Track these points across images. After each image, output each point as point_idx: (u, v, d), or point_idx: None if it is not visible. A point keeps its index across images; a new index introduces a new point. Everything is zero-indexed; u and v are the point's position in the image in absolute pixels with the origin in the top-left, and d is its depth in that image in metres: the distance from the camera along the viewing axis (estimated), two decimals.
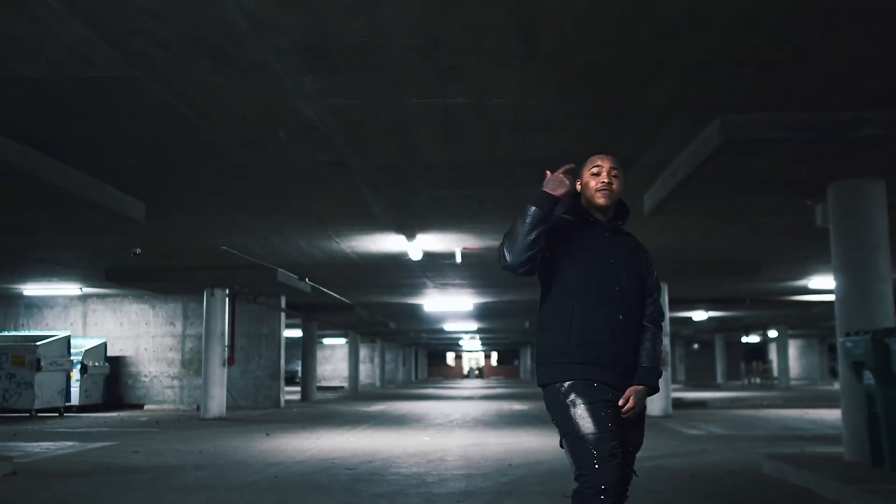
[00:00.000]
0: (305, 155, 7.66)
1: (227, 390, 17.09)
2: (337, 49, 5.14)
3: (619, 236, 3.25)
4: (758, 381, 39.34)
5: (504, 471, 7.89)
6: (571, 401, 2.99)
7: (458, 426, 13.70)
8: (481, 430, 12.90)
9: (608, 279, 3.11)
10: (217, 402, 16.16)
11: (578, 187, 3.25)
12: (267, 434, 12.21)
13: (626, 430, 3.06)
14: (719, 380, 40.24)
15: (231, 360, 17.24)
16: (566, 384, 3.02)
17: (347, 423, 14.68)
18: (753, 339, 44.05)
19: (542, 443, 10.47)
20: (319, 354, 42.03)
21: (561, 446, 3.06)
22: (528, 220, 3.01)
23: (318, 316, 24.32)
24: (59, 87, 5.82)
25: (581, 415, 2.96)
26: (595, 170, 3.21)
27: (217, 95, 6.01)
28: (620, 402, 3.03)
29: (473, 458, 9.00)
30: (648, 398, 3.17)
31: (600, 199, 3.18)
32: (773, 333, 38.29)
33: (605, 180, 3.18)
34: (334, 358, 47.99)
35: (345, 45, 5.07)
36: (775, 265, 15.47)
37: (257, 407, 19.60)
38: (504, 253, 3.04)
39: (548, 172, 3.15)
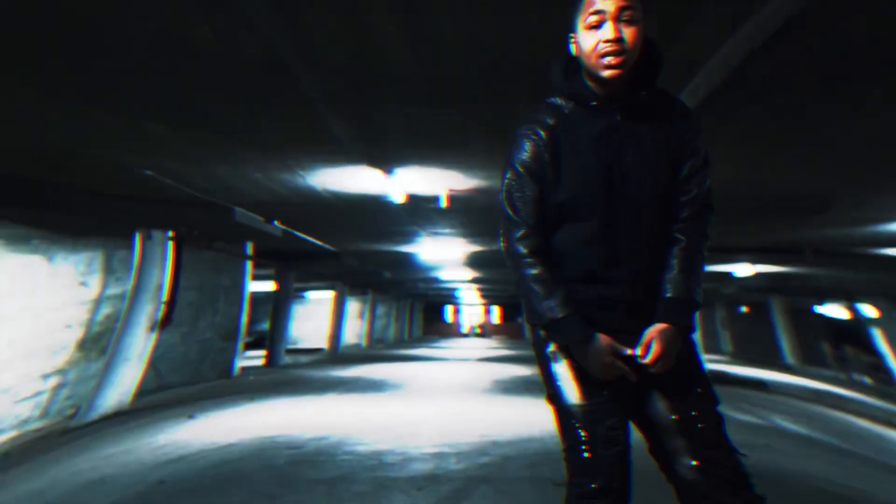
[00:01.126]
0: (226, 46, 5.77)
1: (153, 364, 12.72)
2: None
3: (637, 116, 2.32)
4: (863, 379, 25.21)
5: (485, 449, 6.50)
6: (552, 353, 2.35)
7: (441, 393, 12.06)
8: (468, 397, 11.31)
9: (616, 188, 2.32)
10: (119, 390, 11.25)
11: (575, 49, 2.33)
12: (189, 416, 9.67)
13: (678, 394, 2.24)
14: (788, 359, 28.14)
15: (166, 321, 12.47)
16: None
17: (311, 390, 12.77)
18: (837, 310, 28.04)
19: (538, 416, 8.82)
20: (301, 311, 36.91)
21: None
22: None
23: (297, 265, 21.43)
24: None
25: (563, 375, 2.29)
26: (592, 18, 2.22)
27: None
28: (640, 352, 2.21)
29: (451, 432, 7.51)
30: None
31: (606, 71, 2.26)
32: (868, 308, 23.54)
33: (611, 36, 2.20)
34: (318, 315, 40.44)
35: None
36: (851, 201, 10.23)
37: (198, 380, 15.05)
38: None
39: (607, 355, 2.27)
